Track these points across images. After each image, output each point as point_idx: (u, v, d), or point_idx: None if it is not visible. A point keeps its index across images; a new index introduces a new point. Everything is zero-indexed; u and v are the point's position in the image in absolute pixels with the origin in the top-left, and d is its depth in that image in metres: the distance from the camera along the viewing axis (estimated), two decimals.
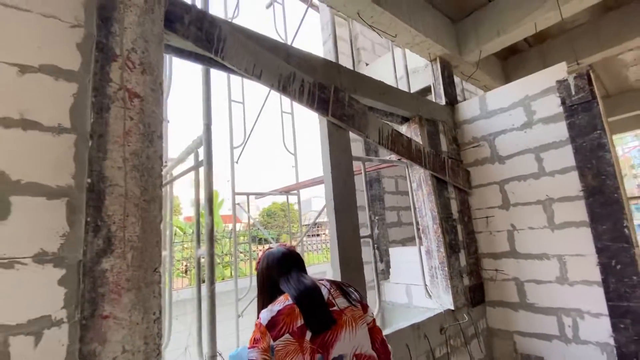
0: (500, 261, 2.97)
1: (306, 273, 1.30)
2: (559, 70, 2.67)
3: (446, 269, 2.67)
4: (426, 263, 2.85)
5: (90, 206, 1.11)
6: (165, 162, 2.51)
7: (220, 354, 1.61)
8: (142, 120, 1.24)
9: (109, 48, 1.22)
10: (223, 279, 7.66)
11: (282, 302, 1.14)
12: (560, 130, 2.63)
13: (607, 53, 3.79)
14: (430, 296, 2.78)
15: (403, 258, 3.67)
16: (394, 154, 2.54)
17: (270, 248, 1.37)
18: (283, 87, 1.87)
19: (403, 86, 3.34)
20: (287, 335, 1.07)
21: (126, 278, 1.12)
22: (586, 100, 2.48)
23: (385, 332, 2.14)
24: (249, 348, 1.08)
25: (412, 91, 3.83)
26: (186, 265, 9.19)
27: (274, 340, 1.05)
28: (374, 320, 1.26)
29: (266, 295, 1.25)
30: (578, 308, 2.51)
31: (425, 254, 2.86)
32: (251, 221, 5.39)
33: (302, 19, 2.79)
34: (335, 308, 1.16)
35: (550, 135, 2.70)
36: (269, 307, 1.14)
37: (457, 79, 3.92)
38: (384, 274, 4.02)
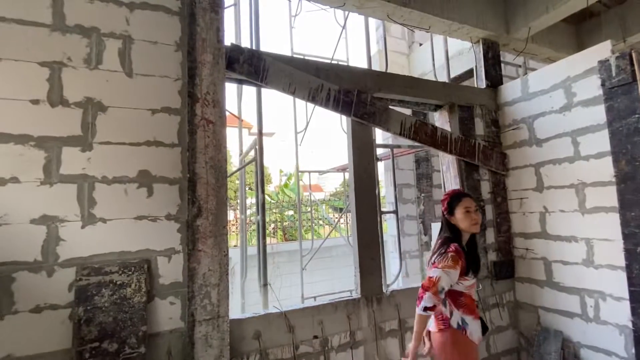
0: (531, 241, 3.11)
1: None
2: (603, 50, 2.55)
3: None
4: None
5: (190, 190, 1.96)
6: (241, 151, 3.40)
7: (270, 284, 2.44)
8: (214, 138, 2.03)
9: (194, 94, 2.01)
10: (295, 239, 8.90)
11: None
12: (599, 113, 2.58)
13: None
14: None
15: None
16: (417, 143, 2.90)
17: (457, 190, 2.02)
18: (312, 97, 2.46)
19: (442, 72, 3.52)
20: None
21: (209, 230, 1.96)
22: (626, 82, 2.39)
23: (396, 287, 2.70)
24: (450, 266, 1.69)
25: (458, 73, 3.93)
26: (273, 227, 10.79)
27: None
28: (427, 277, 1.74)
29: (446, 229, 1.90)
30: (601, 290, 2.59)
31: None
32: (314, 198, 6.20)
33: (343, 29, 3.21)
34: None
35: (589, 118, 2.66)
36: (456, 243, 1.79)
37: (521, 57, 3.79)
38: (427, 245, 4.41)
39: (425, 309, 1.63)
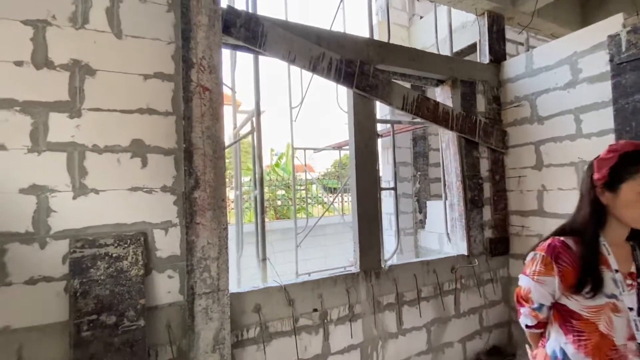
0: (528, 219, 3.14)
1: None
2: (613, 24, 2.48)
3: (464, 220, 3.01)
4: (449, 215, 3.21)
5: (186, 161, 1.88)
6: (235, 125, 3.30)
7: (268, 259, 2.42)
8: (211, 106, 1.92)
9: (189, 59, 1.89)
10: (289, 218, 8.93)
11: None
12: (604, 90, 2.54)
13: None
14: (449, 241, 3.19)
15: (437, 210, 4.03)
16: (418, 118, 2.83)
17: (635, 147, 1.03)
18: (313, 67, 2.35)
19: (444, 46, 3.41)
20: None
21: (207, 203, 1.90)
22: (636, 58, 2.33)
23: (394, 262, 2.72)
24: (541, 272, 1.09)
25: (460, 48, 3.83)
26: (266, 206, 10.75)
27: None
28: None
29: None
30: None
31: (448, 207, 3.21)
32: (311, 177, 6.12)
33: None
34: None
35: (593, 95, 2.62)
36: None
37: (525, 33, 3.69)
38: (422, 223, 4.45)
39: (527, 326, 1.21)
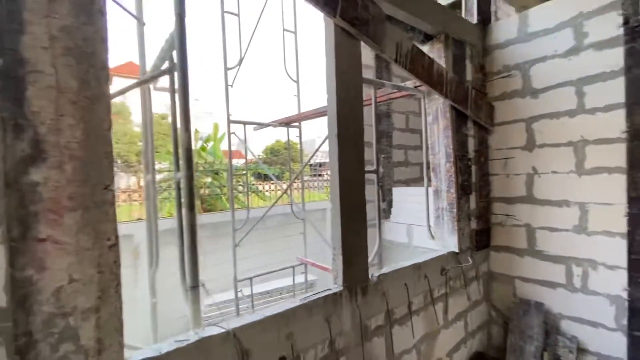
0: (514, 206, 2.77)
1: None
2: None
3: (455, 210, 2.47)
4: (433, 204, 2.65)
5: (7, 97, 0.82)
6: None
7: (203, 285, 1.47)
8: None
9: None
10: (222, 210, 7.74)
11: None
12: (615, 58, 2.19)
13: None
14: (432, 237, 2.64)
15: (407, 198, 3.50)
16: (412, 76, 2.14)
17: None
18: None
19: None
20: None
21: (68, 195, 0.88)
22: None
23: (384, 271, 2.02)
24: None
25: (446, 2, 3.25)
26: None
27: None
28: None
29: None
30: (592, 259, 2.36)
31: (432, 195, 2.64)
32: (254, 156, 5.11)
33: None
34: None
35: (601, 64, 2.26)
36: None
37: None
38: (385, 212, 3.89)
39: None
